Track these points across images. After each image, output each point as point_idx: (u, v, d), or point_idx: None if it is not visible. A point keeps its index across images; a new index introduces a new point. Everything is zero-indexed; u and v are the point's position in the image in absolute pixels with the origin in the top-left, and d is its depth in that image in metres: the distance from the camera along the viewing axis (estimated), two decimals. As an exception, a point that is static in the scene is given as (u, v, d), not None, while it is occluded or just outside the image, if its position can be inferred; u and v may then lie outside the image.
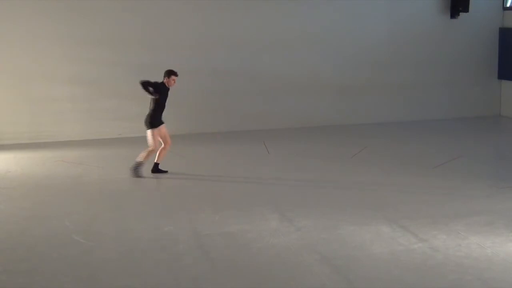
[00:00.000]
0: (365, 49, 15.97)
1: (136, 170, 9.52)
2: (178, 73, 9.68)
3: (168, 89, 9.68)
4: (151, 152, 9.58)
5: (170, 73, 9.69)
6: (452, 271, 5.26)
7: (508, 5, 16.16)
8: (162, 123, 9.72)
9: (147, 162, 9.58)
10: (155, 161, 9.75)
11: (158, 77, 14.23)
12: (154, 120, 9.61)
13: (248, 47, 15.15)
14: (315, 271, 5.32)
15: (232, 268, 5.47)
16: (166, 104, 9.79)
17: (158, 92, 9.50)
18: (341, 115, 16.03)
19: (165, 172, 9.77)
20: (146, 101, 14.10)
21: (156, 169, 9.74)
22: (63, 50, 13.91)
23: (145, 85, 9.44)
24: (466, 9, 15.97)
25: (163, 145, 9.68)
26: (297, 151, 11.93)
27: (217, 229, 6.69)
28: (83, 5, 14.03)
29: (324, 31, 15.64)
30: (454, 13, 16.13)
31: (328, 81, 15.84)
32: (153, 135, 9.55)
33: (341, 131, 14.60)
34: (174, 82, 9.68)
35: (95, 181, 9.58)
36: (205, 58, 15.21)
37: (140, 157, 9.56)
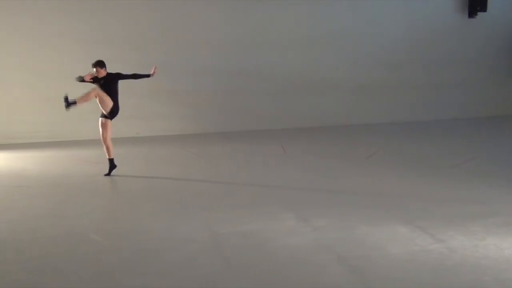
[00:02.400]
0: (380, 49, 15.93)
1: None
2: (94, 64, 9.61)
3: (99, 79, 9.61)
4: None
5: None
6: (470, 272, 5.21)
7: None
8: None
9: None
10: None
11: (173, 76, 14.32)
12: None
13: (264, 47, 15.17)
14: (331, 271, 5.30)
15: (247, 267, 5.45)
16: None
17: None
18: (357, 114, 16.02)
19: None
20: (166, 100, 14.21)
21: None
22: (80, 49, 14.01)
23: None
24: (484, 9, 15.89)
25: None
26: (313, 151, 11.92)
27: (232, 228, 6.68)
28: (101, 5, 14.12)
29: (340, 31, 15.63)
30: (472, 13, 16.06)
31: (343, 80, 15.83)
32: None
33: (357, 131, 14.57)
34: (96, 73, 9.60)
35: (112, 180, 9.62)
36: (221, 58, 15.24)
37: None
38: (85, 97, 9.32)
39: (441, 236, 6.16)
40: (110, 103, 9.47)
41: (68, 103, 9.09)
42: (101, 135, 9.77)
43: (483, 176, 9.15)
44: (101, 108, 9.57)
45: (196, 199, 8.24)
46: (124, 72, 9.74)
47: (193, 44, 14.79)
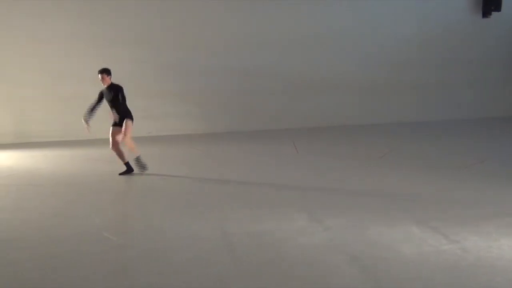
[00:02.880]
0: (393, 48, 15.90)
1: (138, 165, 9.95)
2: (101, 71, 9.67)
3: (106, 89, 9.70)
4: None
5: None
6: (484, 273, 5.17)
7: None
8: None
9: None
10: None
11: (184, 77, 14.34)
12: None
13: (275, 46, 15.18)
14: (343, 271, 5.28)
15: (259, 267, 5.44)
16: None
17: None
18: (369, 114, 15.98)
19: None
20: (177, 100, 14.27)
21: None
22: (93, 50, 14.08)
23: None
24: (498, 8, 15.81)
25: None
26: (325, 150, 11.91)
27: (244, 228, 6.67)
28: (113, 6, 14.17)
29: (352, 31, 15.61)
30: (486, 12, 15.98)
31: (355, 80, 15.80)
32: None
33: (369, 131, 14.54)
34: (101, 80, 9.67)
35: (124, 179, 9.66)
36: (232, 58, 15.25)
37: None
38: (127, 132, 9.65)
39: (454, 237, 6.12)
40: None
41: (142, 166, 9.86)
42: (110, 143, 9.78)
43: (496, 177, 9.10)
44: (113, 117, 9.71)
45: (207, 198, 8.24)
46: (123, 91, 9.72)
47: (204, 44, 14.82)
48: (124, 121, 9.62)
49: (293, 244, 6.05)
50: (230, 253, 5.85)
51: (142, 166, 9.92)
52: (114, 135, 9.63)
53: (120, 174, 9.83)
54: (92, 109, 9.67)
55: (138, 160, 9.92)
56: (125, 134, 9.56)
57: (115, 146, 9.69)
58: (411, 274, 5.17)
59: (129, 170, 9.89)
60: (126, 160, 9.91)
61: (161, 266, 5.50)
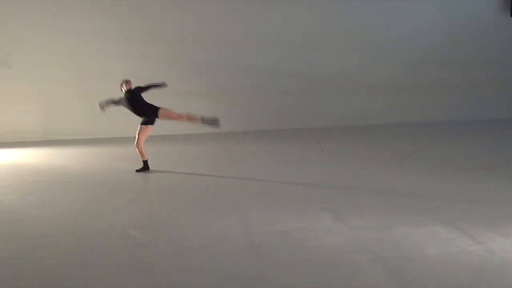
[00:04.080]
0: (420, 48, 15.79)
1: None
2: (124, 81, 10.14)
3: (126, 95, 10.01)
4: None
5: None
6: (510, 274, 5.12)
7: None
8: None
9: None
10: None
11: (210, 75, 14.39)
12: None
13: (302, 46, 15.16)
14: (368, 271, 5.26)
15: (284, 266, 5.45)
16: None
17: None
18: (395, 113, 15.89)
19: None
20: (201, 98, 14.31)
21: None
22: (119, 48, 14.20)
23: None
24: (527, 7, 15.60)
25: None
26: (351, 150, 11.87)
27: (269, 227, 6.68)
28: (141, 4, 14.28)
29: (379, 30, 15.53)
30: (514, 12, 15.78)
31: (382, 80, 15.73)
32: None
33: (396, 130, 14.46)
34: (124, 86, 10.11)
35: (149, 176, 9.73)
36: (258, 57, 15.27)
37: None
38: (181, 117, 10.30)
39: (480, 238, 6.07)
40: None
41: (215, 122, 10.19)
42: (137, 140, 10.00)
43: (524, 177, 9.00)
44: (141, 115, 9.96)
45: (232, 197, 8.27)
46: (142, 85, 10.13)
47: (230, 43, 14.85)
48: (144, 123, 9.90)
49: (318, 244, 6.04)
50: (255, 252, 5.86)
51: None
52: (141, 133, 9.77)
53: (137, 171, 10.05)
54: (111, 102, 10.05)
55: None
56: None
57: (138, 144, 9.93)
58: (437, 275, 5.14)
59: (145, 168, 10.10)
60: (146, 158, 10.10)
61: (186, 264, 5.53)
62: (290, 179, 9.14)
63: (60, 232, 6.69)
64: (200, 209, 7.56)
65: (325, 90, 15.52)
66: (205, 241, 6.24)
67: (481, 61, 16.13)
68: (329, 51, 15.38)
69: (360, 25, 15.43)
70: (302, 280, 5.12)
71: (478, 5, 15.91)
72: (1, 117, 14.16)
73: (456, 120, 15.81)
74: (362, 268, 5.34)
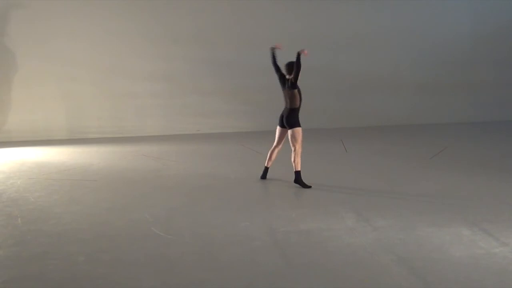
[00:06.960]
0: (445, 47, 15.66)
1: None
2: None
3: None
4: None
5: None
6: (536, 277, 5.09)
7: None
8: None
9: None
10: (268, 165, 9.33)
11: (236, 74, 14.41)
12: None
13: (327, 45, 15.12)
14: (391, 272, 5.25)
15: (307, 266, 5.46)
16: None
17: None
18: (420, 114, 15.79)
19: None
20: (224, 97, 14.27)
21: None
22: (144, 47, 14.31)
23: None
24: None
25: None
26: (375, 150, 11.82)
27: (293, 227, 6.70)
28: (166, 3, 14.36)
29: (404, 29, 15.44)
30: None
31: (407, 79, 15.64)
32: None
33: (420, 130, 14.37)
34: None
35: (173, 175, 9.79)
36: (283, 56, 15.23)
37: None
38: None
39: (505, 240, 6.02)
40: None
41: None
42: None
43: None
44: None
45: (256, 196, 8.30)
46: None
47: (258, 43, 14.85)
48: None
49: (342, 244, 6.05)
50: (278, 251, 5.88)
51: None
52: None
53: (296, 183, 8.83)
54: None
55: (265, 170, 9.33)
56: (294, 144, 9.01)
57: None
58: (461, 276, 5.11)
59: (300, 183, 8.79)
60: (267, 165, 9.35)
61: (209, 263, 5.57)
62: (314, 179, 9.10)
63: (86, 229, 6.76)
64: (224, 208, 7.60)
65: (348, 90, 15.46)
66: (229, 239, 6.27)
67: (504, 61, 15.94)
68: (352, 50, 15.32)
69: (384, 26, 15.35)
70: (325, 280, 5.13)
71: (502, 4, 15.73)
72: (28, 115, 14.34)
73: (486, 121, 15.65)
74: (385, 269, 5.34)
